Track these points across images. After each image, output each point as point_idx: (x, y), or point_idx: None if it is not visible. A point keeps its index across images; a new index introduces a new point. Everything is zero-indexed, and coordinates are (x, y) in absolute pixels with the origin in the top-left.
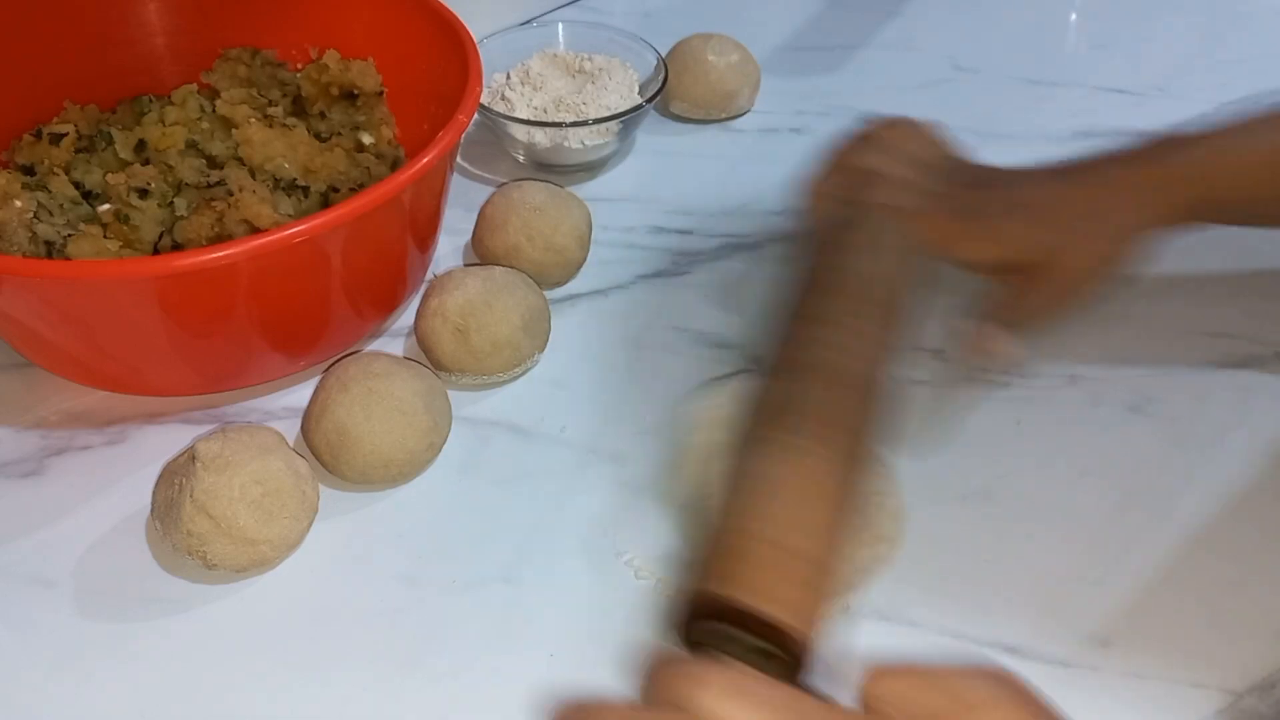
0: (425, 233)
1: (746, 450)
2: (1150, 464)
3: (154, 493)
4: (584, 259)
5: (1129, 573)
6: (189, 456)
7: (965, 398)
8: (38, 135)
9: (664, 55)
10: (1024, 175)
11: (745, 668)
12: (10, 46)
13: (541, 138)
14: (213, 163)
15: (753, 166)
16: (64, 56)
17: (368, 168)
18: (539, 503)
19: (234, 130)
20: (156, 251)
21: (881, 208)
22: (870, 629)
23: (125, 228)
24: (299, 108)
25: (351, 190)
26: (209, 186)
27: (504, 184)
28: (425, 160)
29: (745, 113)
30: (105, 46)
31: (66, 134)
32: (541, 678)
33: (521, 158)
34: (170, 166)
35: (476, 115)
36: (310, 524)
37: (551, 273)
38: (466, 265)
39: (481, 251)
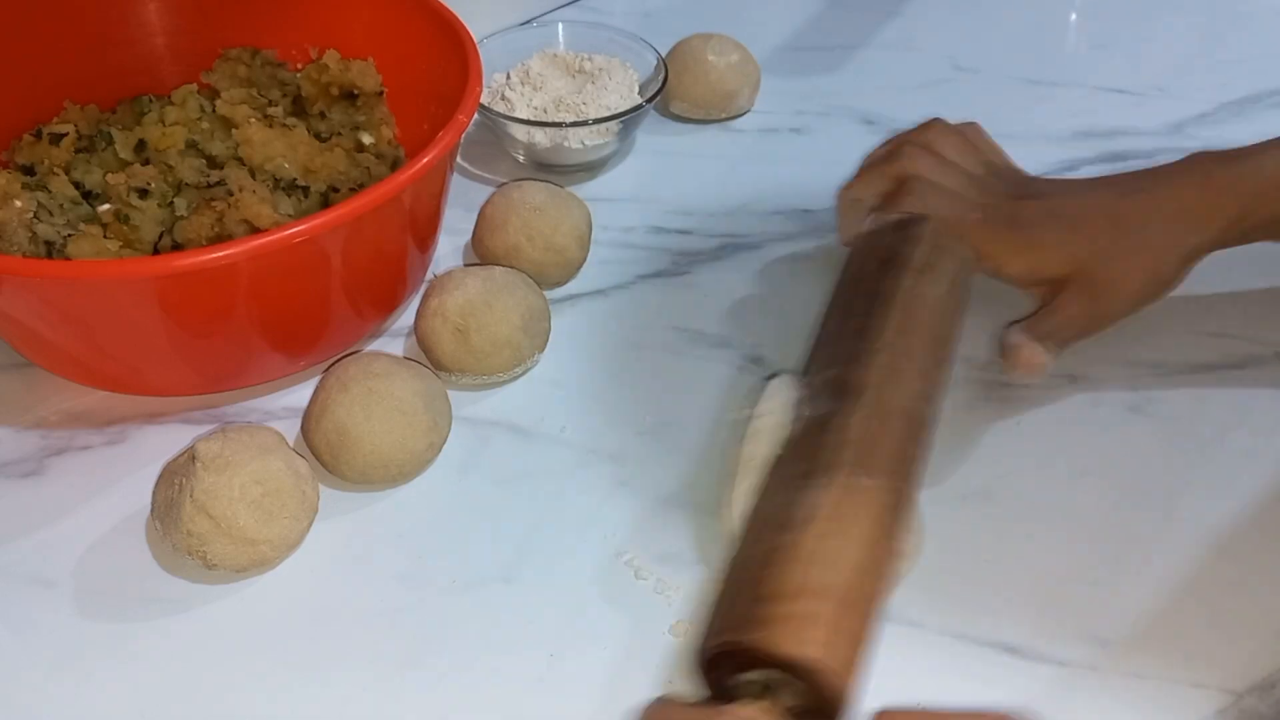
0: (425, 233)
1: (785, 481)
2: (1150, 464)
3: (154, 493)
4: (584, 259)
5: (1129, 573)
6: (189, 456)
7: (964, 399)
8: (38, 135)
9: (664, 55)
10: (1068, 185)
11: (759, 708)
12: (10, 46)
13: (541, 138)
14: (213, 163)
15: (753, 166)
16: (64, 56)
17: (368, 168)
18: (539, 503)
19: (234, 130)
20: (156, 251)
21: (940, 223)
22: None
23: (125, 228)
24: (299, 108)
25: (351, 190)
26: (209, 186)
27: (504, 184)
28: (425, 160)
29: (745, 113)
30: (105, 46)
31: (66, 134)
32: (541, 678)
33: (521, 158)
34: (170, 166)
35: (476, 115)
36: (310, 524)
37: (551, 273)
38: (466, 265)
39: (481, 251)
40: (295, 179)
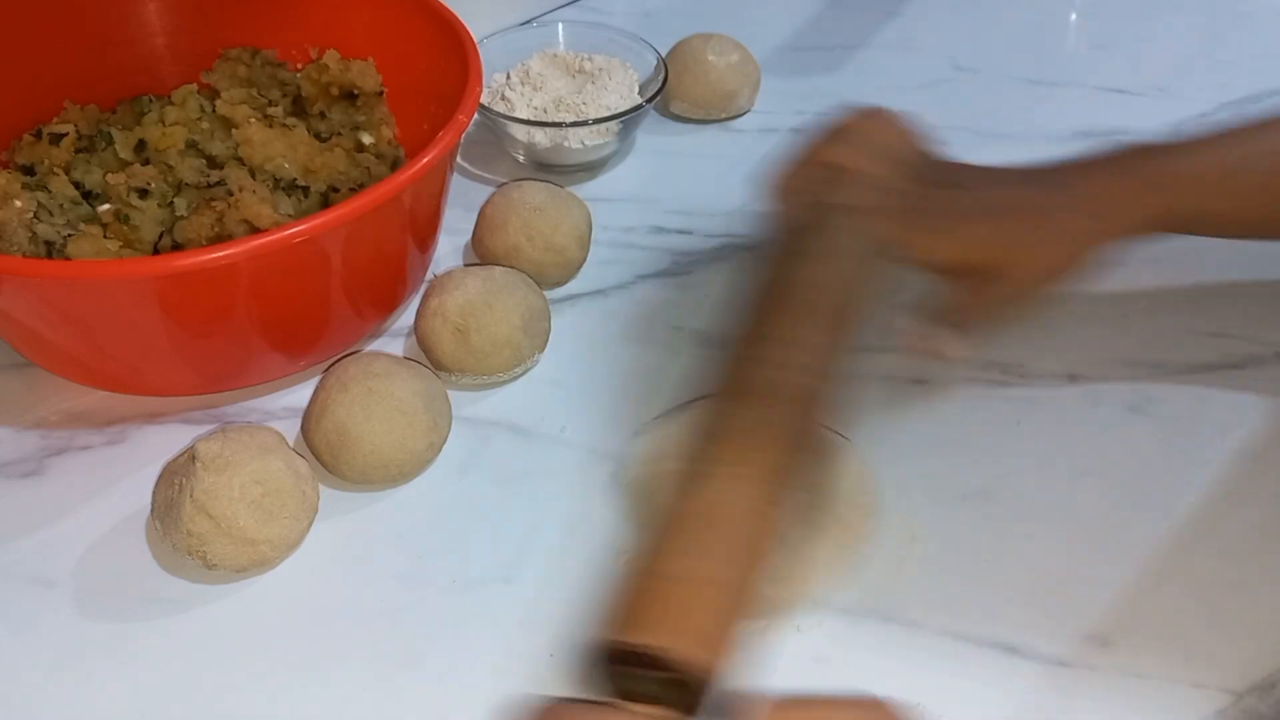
0: (425, 233)
1: (679, 482)
2: (1150, 464)
3: (154, 493)
4: (584, 259)
5: (1129, 573)
6: (189, 456)
7: (964, 399)
8: (38, 135)
9: (664, 55)
10: (991, 176)
11: (638, 711)
12: (10, 46)
13: (541, 138)
14: (213, 163)
15: (753, 166)
16: (64, 56)
17: (368, 168)
18: (539, 503)
19: (234, 130)
20: (156, 251)
21: (842, 208)
22: (871, 629)
23: (125, 228)
24: (299, 108)
25: (351, 190)
26: (209, 186)
27: (504, 184)
28: (425, 160)
29: (745, 113)
30: (105, 46)
31: (66, 134)
32: (541, 678)
33: (521, 158)
34: (170, 166)
35: (476, 115)
36: (310, 524)
37: (551, 273)
38: (466, 265)
39: (481, 251)
40: (295, 179)
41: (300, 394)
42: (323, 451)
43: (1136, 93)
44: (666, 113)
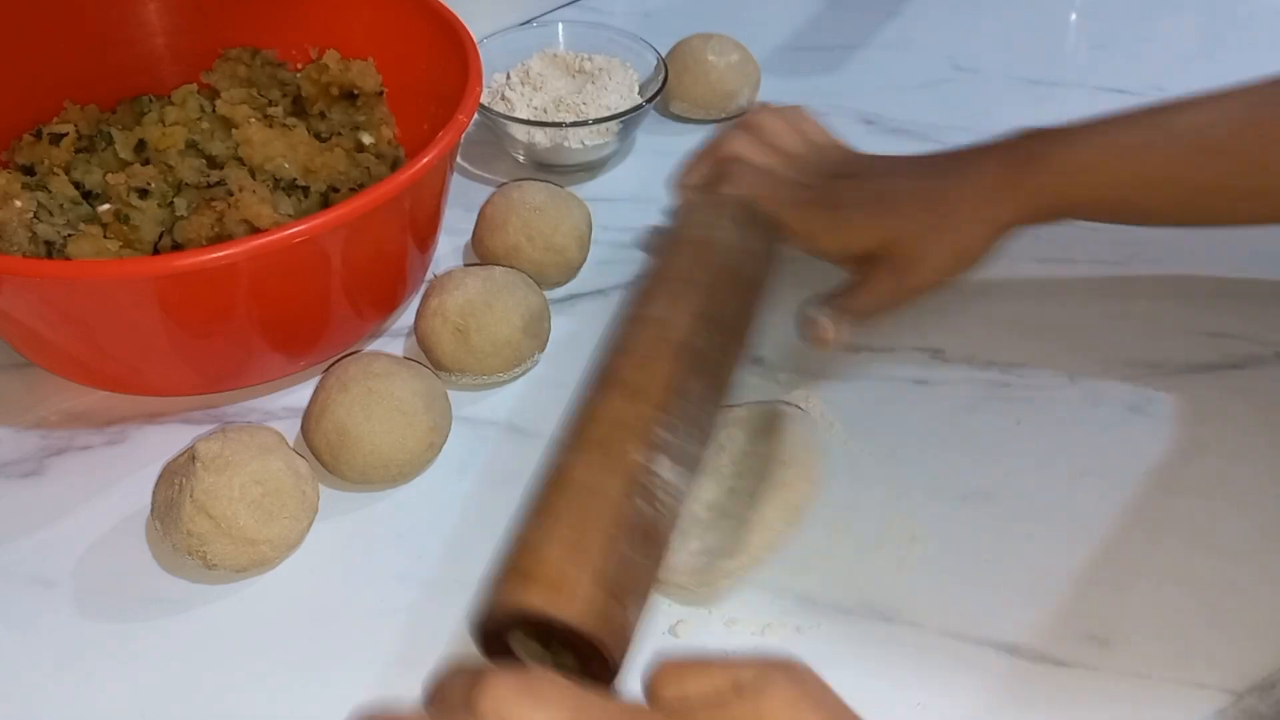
0: (425, 233)
1: (556, 456)
2: (1150, 464)
3: (154, 493)
4: (584, 259)
5: (1129, 573)
6: (189, 456)
7: (964, 399)
8: (38, 135)
9: (664, 55)
10: (885, 164)
11: (541, 670)
12: (10, 46)
13: (541, 138)
14: (213, 163)
15: None
16: (64, 56)
17: (368, 168)
18: None
19: (234, 130)
20: (156, 251)
21: (730, 196)
22: (871, 629)
23: (125, 228)
24: (299, 108)
25: (351, 190)
26: (209, 186)
27: (504, 184)
28: (425, 160)
29: (745, 113)
30: (105, 46)
31: (66, 134)
32: None
33: (521, 158)
34: (170, 166)
35: (476, 115)
36: (310, 524)
37: (551, 273)
38: (466, 265)
39: (481, 251)
40: (295, 179)
41: (300, 394)
42: (323, 451)
43: (1136, 93)
44: (666, 113)
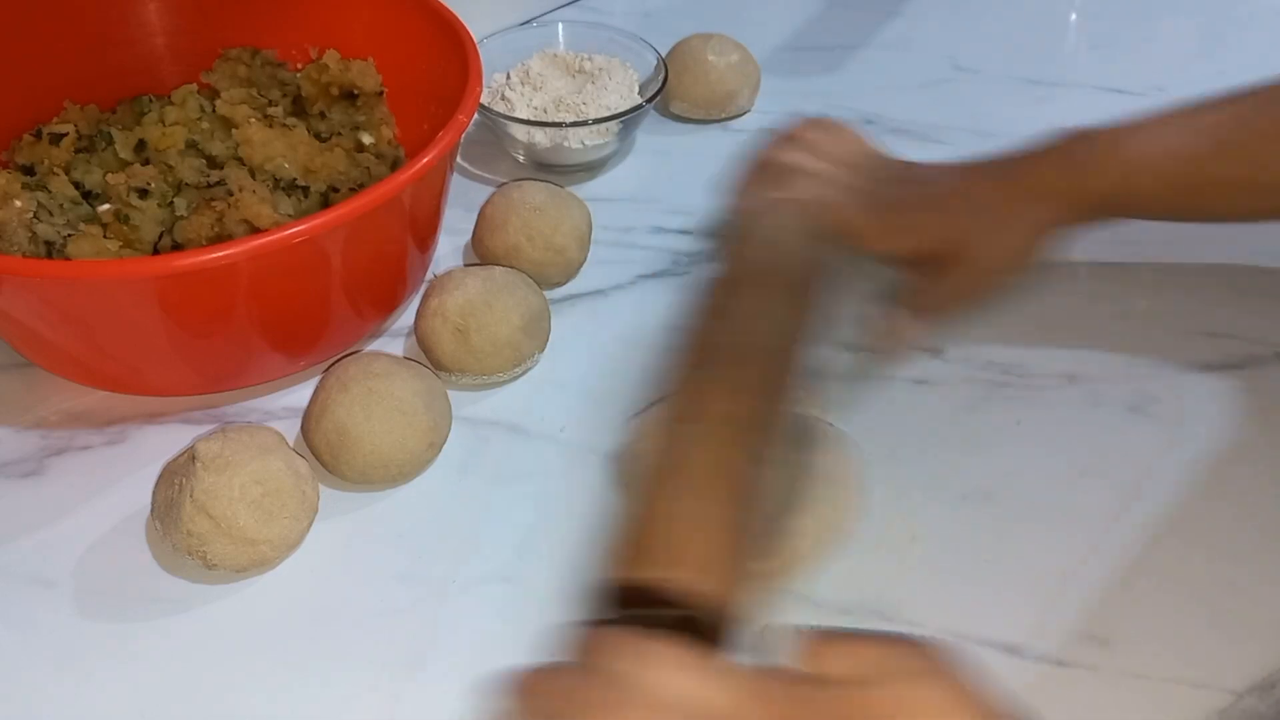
0: (425, 233)
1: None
2: (1150, 464)
3: (154, 493)
4: (584, 259)
5: (1129, 573)
6: (189, 456)
7: (964, 399)
8: (38, 135)
9: (664, 55)
10: (941, 170)
11: (667, 635)
12: (10, 46)
13: (541, 138)
14: (213, 163)
15: None
16: (64, 56)
17: (368, 168)
18: (539, 503)
19: (234, 130)
20: (156, 251)
21: (788, 201)
22: (871, 629)
23: (125, 228)
24: (299, 108)
25: (351, 190)
26: (209, 186)
27: (504, 184)
28: (425, 160)
29: (745, 113)
30: (105, 46)
31: (66, 134)
32: None
33: (521, 158)
34: (170, 166)
35: (476, 115)
36: (310, 524)
37: (551, 273)
38: (466, 265)
39: (481, 251)
40: (295, 179)
41: (300, 394)
42: (323, 451)
43: (1136, 93)
44: (666, 113)
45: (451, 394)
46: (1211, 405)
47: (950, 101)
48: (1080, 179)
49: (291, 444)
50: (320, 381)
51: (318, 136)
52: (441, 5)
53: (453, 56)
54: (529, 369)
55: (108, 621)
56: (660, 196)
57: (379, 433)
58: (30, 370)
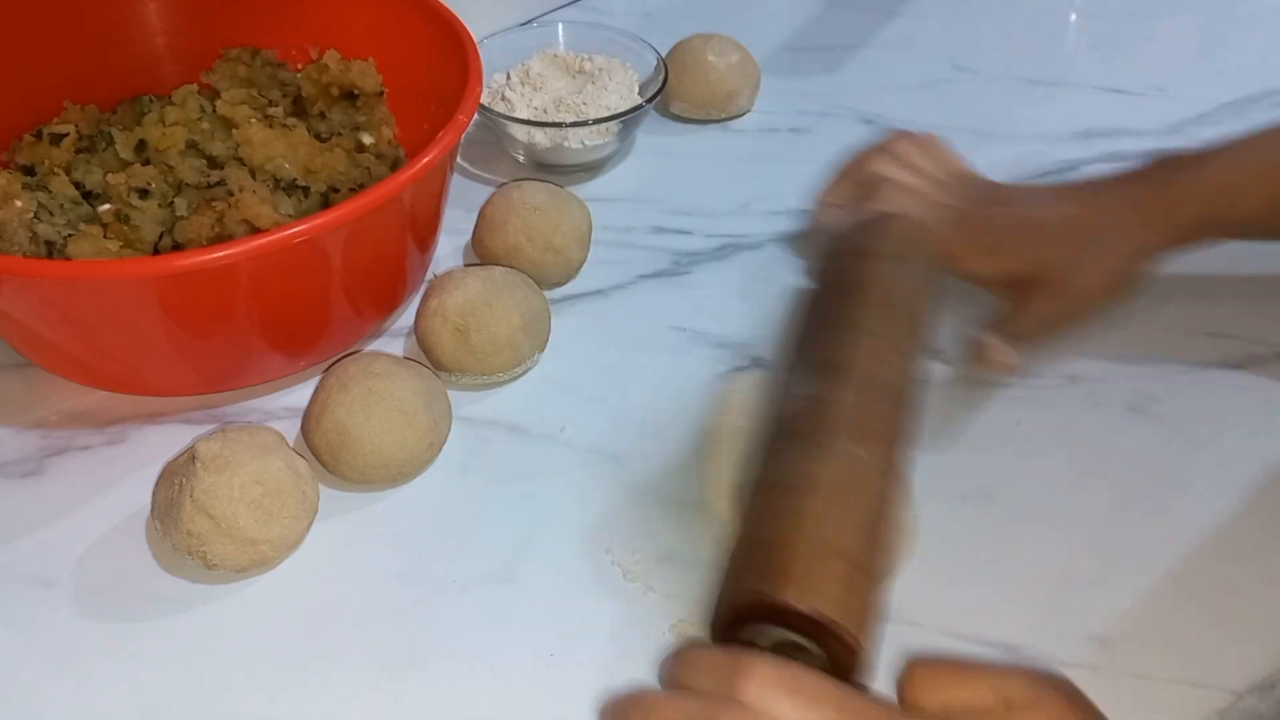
0: (425, 233)
1: (784, 451)
2: (1150, 464)
3: (154, 493)
4: (584, 259)
5: (1129, 573)
6: (189, 456)
7: (965, 399)
8: (38, 135)
9: (664, 55)
10: (1033, 192)
11: (800, 665)
12: (10, 46)
13: (541, 138)
14: (213, 163)
15: (753, 166)
16: (64, 56)
17: (368, 168)
18: (539, 503)
19: (234, 130)
20: (156, 251)
21: (906, 218)
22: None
23: (125, 228)
24: (299, 108)
25: (351, 190)
26: (209, 186)
27: (504, 184)
28: (425, 160)
29: (745, 113)
30: (105, 46)
31: (66, 134)
32: (541, 678)
33: (521, 158)
34: (170, 166)
35: (476, 115)
36: (310, 524)
37: (551, 273)
38: (466, 265)
39: (481, 251)
40: (295, 179)
41: (300, 394)
42: (323, 451)
43: (1136, 93)
44: (666, 113)
45: (451, 394)
46: (1211, 405)
47: (950, 101)
48: (1177, 204)
49: (291, 444)
50: (320, 381)
51: (318, 137)
52: (441, 5)
53: (453, 56)
54: (529, 369)
55: (108, 621)
56: (660, 196)
57: (379, 433)
58: (30, 370)
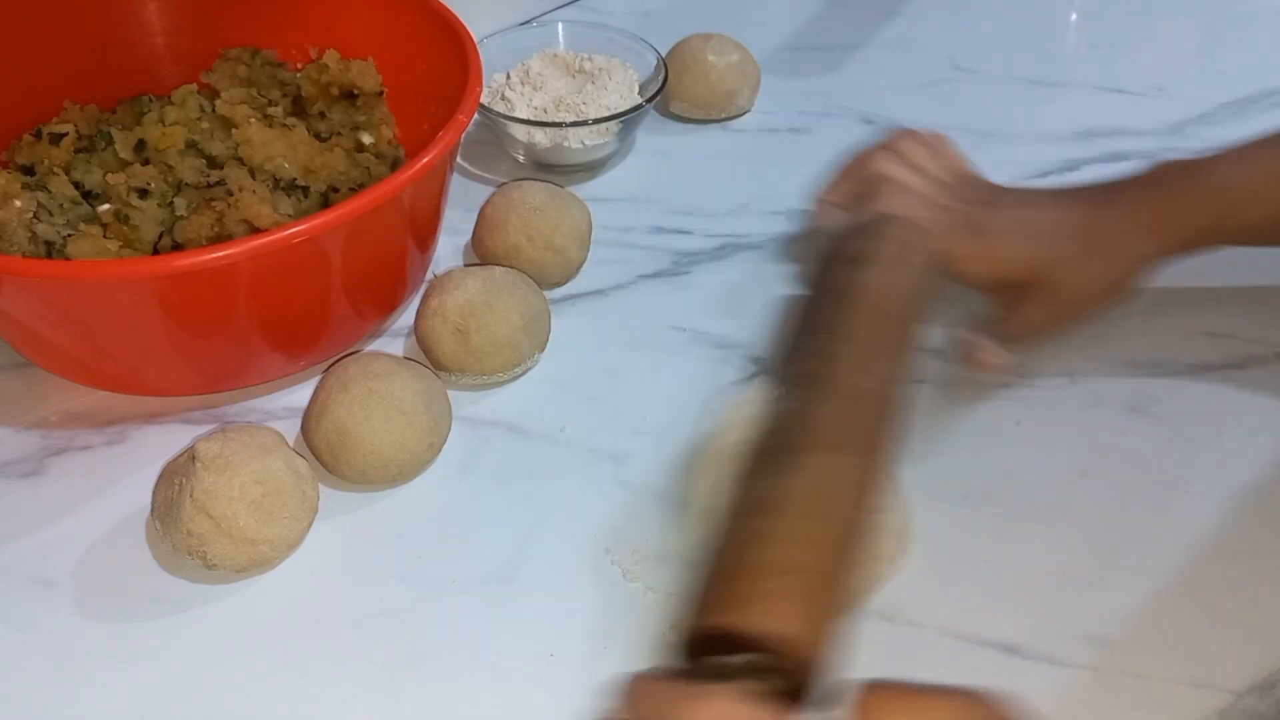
0: (425, 233)
1: (758, 470)
2: (1150, 464)
3: (154, 493)
4: (584, 259)
5: (1129, 573)
6: (189, 456)
7: (966, 399)
8: (38, 135)
9: (664, 55)
10: (1031, 196)
11: (742, 689)
12: (10, 46)
13: (541, 138)
14: (213, 163)
15: (753, 166)
16: (64, 56)
17: (368, 168)
18: (539, 503)
19: (234, 130)
20: (156, 251)
21: (905, 220)
22: (870, 629)
23: (125, 228)
24: (299, 108)
25: (351, 190)
26: (209, 186)
27: (504, 184)
28: (425, 160)
29: (745, 113)
30: (105, 46)
31: (66, 134)
32: (541, 678)
33: (521, 158)
34: (170, 166)
35: (476, 115)
36: (310, 524)
37: (551, 273)
38: (466, 265)
39: (481, 251)
40: (295, 179)
41: (300, 394)
42: (323, 451)
43: (1136, 93)
44: (666, 113)
45: (451, 394)
46: (1211, 405)
47: (950, 101)
48: (1182, 210)
49: (291, 444)
50: (320, 381)
51: (318, 136)
52: (441, 5)
53: (453, 56)
54: (529, 369)
55: (108, 621)
56: (660, 196)
57: (379, 433)
58: (30, 370)
